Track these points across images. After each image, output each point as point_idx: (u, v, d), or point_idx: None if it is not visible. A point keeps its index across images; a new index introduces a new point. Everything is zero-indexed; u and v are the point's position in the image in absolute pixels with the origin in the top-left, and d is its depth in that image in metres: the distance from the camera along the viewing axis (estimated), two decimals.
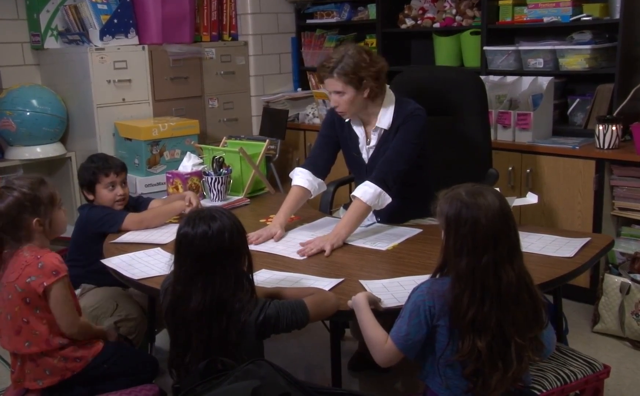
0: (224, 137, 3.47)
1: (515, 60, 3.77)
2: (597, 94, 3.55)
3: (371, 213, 2.48)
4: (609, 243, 2.30)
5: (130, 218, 2.62)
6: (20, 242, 2.02)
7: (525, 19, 3.70)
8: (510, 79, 3.69)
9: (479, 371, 1.62)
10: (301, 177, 2.60)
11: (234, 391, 1.52)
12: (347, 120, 2.59)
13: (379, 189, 2.38)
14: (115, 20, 3.96)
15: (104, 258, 2.34)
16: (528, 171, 3.46)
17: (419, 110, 2.49)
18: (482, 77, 3.22)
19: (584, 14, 3.50)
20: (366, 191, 2.39)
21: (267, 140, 3.36)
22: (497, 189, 1.75)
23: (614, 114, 3.35)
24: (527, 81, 3.63)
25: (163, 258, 2.22)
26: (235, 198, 3.02)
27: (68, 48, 4.05)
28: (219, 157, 3.04)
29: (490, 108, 3.40)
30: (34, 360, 2.01)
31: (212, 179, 2.97)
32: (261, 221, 2.66)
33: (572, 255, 2.14)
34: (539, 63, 3.67)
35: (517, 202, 2.59)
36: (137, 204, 2.83)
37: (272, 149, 4.22)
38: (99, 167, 2.66)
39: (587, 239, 2.27)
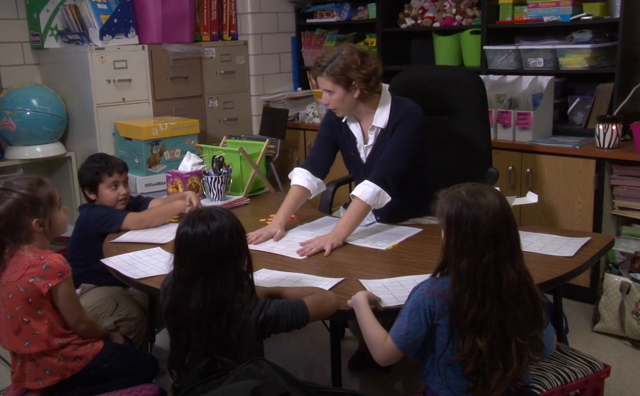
0: (224, 137, 3.47)
1: (516, 60, 3.77)
2: (597, 93, 3.55)
3: (370, 212, 2.48)
4: (609, 242, 2.30)
5: (131, 217, 2.62)
6: (20, 242, 2.03)
7: (525, 18, 3.69)
8: (510, 78, 3.69)
9: (479, 371, 1.62)
10: (300, 177, 2.60)
11: (234, 390, 1.52)
12: (344, 120, 2.59)
13: (378, 188, 2.39)
14: (115, 20, 3.96)
15: (104, 257, 2.34)
16: (528, 170, 3.46)
17: (416, 108, 2.50)
18: (482, 76, 3.22)
19: (584, 14, 3.50)
20: (365, 190, 2.39)
21: (267, 139, 3.36)
22: (497, 188, 1.75)
23: (614, 113, 3.34)
24: (527, 80, 3.63)
25: (163, 258, 2.22)
26: (235, 197, 3.02)
27: (68, 48, 4.05)
28: (219, 157, 3.04)
29: (490, 107, 3.40)
30: (33, 360, 2.01)
31: (212, 178, 2.97)
32: (261, 220, 2.66)
33: (572, 254, 2.14)
34: (539, 62, 3.67)
35: (517, 201, 2.59)
36: (137, 203, 2.83)
37: (272, 149, 4.23)
38: (102, 167, 2.66)
39: (587, 238, 2.27)
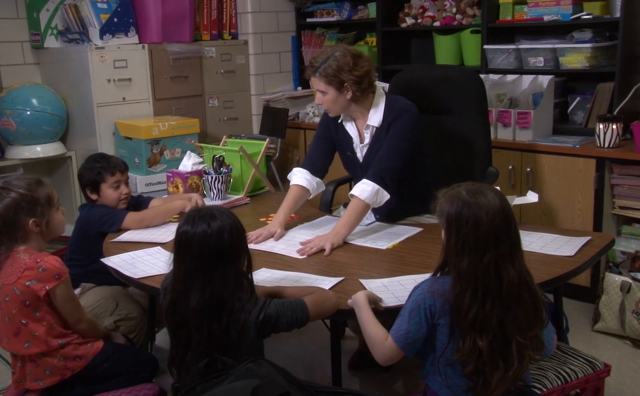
0: (224, 136, 3.47)
1: (516, 59, 3.76)
2: (597, 92, 3.54)
3: (370, 211, 2.48)
4: (610, 241, 2.30)
5: (131, 217, 2.62)
6: (16, 242, 2.02)
7: (525, 17, 3.69)
8: (510, 77, 3.69)
9: (479, 371, 1.62)
10: (300, 176, 2.61)
11: (234, 390, 1.52)
12: (340, 120, 2.60)
13: (376, 187, 2.39)
14: (115, 19, 3.96)
15: (104, 257, 2.34)
16: (528, 169, 3.45)
17: (409, 106, 2.50)
18: (482, 75, 3.22)
19: (585, 13, 3.50)
20: (364, 189, 2.39)
21: (267, 139, 3.35)
22: (497, 187, 1.74)
23: (615, 112, 3.34)
24: (527, 79, 3.63)
25: (163, 257, 2.22)
26: (236, 196, 3.02)
27: (68, 47, 4.05)
28: (219, 156, 3.04)
29: (491, 107, 3.40)
30: (34, 361, 2.01)
31: (212, 178, 2.97)
32: (261, 220, 2.66)
33: (572, 254, 2.13)
34: (539, 62, 3.67)
35: (517, 201, 2.59)
36: (138, 203, 2.83)
37: (272, 148, 4.23)
38: (104, 167, 2.66)
39: (588, 238, 2.27)
